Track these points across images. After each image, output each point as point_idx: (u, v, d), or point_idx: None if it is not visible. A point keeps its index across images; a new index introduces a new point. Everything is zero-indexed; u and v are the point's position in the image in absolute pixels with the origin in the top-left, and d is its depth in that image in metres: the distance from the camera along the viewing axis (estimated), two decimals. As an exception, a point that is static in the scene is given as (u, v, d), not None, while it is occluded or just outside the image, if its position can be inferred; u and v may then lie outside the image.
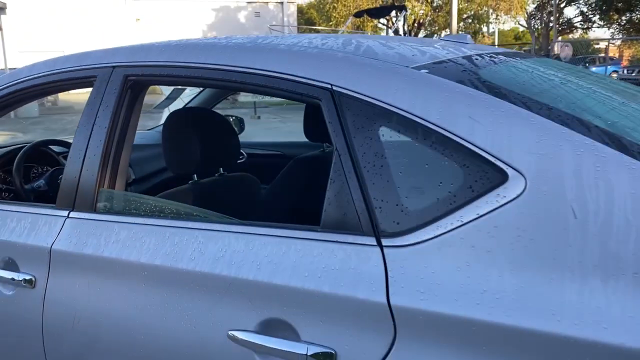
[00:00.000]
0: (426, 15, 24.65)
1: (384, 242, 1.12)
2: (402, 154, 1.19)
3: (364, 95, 1.22)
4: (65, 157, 2.69)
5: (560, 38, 37.71)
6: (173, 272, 1.34)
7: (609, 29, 36.93)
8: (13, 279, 1.64)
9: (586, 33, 41.05)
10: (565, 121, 1.09)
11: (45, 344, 1.60)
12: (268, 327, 1.19)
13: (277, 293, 1.19)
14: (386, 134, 1.19)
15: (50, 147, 2.69)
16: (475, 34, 27.83)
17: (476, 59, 1.42)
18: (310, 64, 1.33)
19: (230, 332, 1.22)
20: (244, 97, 15.92)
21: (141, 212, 1.54)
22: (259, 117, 15.19)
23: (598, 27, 37.62)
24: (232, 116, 3.38)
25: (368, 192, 1.16)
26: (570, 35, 40.36)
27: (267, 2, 38.55)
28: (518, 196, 1.02)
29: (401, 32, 28.63)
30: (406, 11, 21.94)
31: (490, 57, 1.51)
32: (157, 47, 1.69)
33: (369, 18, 23.24)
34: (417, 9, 23.34)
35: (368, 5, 24.68)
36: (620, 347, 0.85)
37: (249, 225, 1.32)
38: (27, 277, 1.62)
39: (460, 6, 24.48)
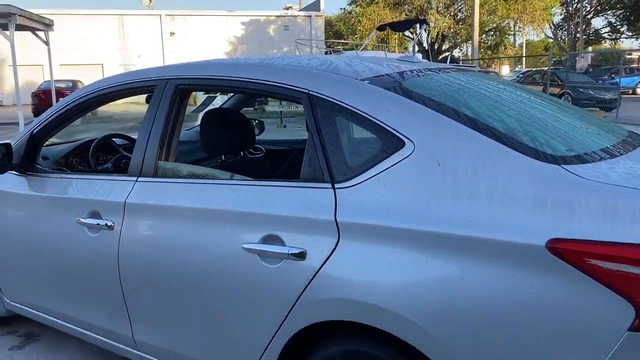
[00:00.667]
0: (449, 28, 25.23)
1: (336, 186, 1.83)
2: (348, 132, 1.92)
3: (327, 97, 1.95)
4: (124, 148, 3.49)
5: (590, 48, 37.79)
6: (207, 211, 2.08)
7: (637, 39, 36.85)
8: (98, 224, 2.40)
9: (615, 44, 40.97)
10: (445, 111, 1.79)
11: (120, 268, 2.34)
12: (265, 240, 1.91)
13: (272, 219, 1.91)
14: (340, 121, 1.91)
15: (113, 139, 3.49)
16: (496, 46, 28.28)
17: (406, 74, 2.13)
18: (296, 76, 2.06)
19: (243, 245, 1.95)
20: (271, 107, 16.75)
21: (185, 176, 2.28)
22: (284, 126, 16.05)
23: (626, 37, 37.58)
24: (255, 119, 4.16)
25: (328, 158, 1.88)
26: (598, 46, 40.34)
27: (296, 16, 39.67)
28: (409, 155, 1.73)
29: (425, 44, 29.26)
30: (427, 25, 22.58)
31: (419, 72, 2.22)
32: (197, 64, 2.45)
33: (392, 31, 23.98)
34: (440, 22, 23.94)
35: (392, 18, 25.43)
36: (485, 238, 1.52)
37: (256, 181, 2.05)
38: (109, 223, 2.37)
39: (483, 19, 25.01)
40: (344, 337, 1.81)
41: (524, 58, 55.27)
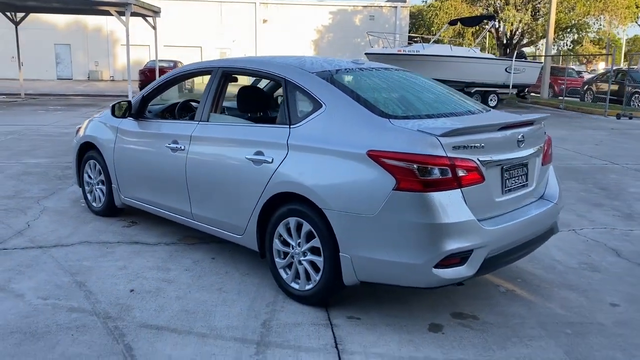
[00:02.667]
0: (526, 24, 25.61)
1: (291, 126, 3.57)
2: (299, 100, 3.65)
3: (294, 81, 3.67)
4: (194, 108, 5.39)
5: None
6: (229, 139, 3.88)
7: None
8: (176, 147, 4.28)
9: None
10: (344, 90, 3.46)
11: (187, 173, 4.21)
12: (255, 153, 3.68)
13: (260, 143, 3.67)
14: (297, 94, 3.64)
15: (191, 103, 5.41)
16: (573, 43, 28.21)
17: (340, 70, 3.80)
18: (280, 69, 3.81)
19: (246, 156, 3.73)
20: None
21: (221, 121, 4.10)
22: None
23: None
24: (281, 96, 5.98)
25: (289, 113, 3.62)
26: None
27: (382, 7, 40.94)
28: (323, 112, 3.42)
29: (497, 39, 29.57)
30: (495, 21, 23.23)
31: (350, 69, 3.87)
32: (234, 59, 4.25)
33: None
34: (516, 17, 24.45)
35: (469, 13, 26.21)
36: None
37: (255, 124, 3.83)
38: (182, 147, 4.25)
39: (561, 16, 25.18)
40: (287, 202, 3.55)
41: (622, 55, 53.08)
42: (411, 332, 3.22)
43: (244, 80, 5.18)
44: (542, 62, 23.53)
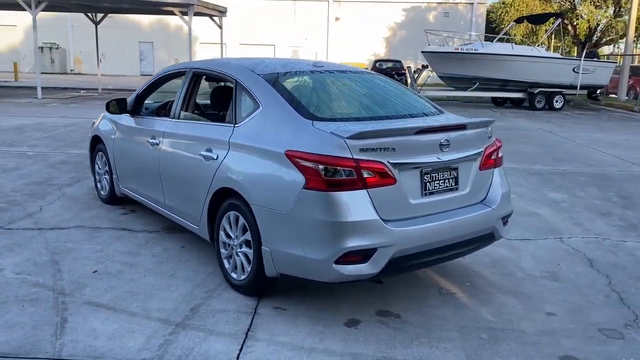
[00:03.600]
0: (604, 21, 24.19)
1: (235, 126, 3.79)
2: (245, 101, 3.86)
3: (242, 82, 3.89)
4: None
5: None
6: (190, 136, 4.16)
7: None
8: (153, 142, 4.63)
9: None
10: (281, 92, 3.63)
11: (160, 165, 4.54)
12: (206, 150, 3.93)
13: (211, 140, 3.92)
14: (243, 94, 3.85)
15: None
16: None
17: (288, 72, 3.95)
18: (233, 70, 4.03)
19: (200, 152, 4.00)
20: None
21: (187, 119, 4.39)
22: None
23: None
24: None
25: (235, 112, 3.84)
26: None
27: (457, 3, 40.01)
28: (259, 112, 3.61)
29: (568, 37, 28.01)
30: (562, 19, 22.01)
31: (300, 71, 4.02)
32: (203, 61, 4.53)
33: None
34: (593, 14, 23.16)
35: (542, 9, 25.12)
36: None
37: (210, 122, 4.08)
38: (157, 142, 4.59)
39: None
40: (228, 197, 3.78)
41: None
42: (327, 325, 3.36)
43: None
44: (615, 62, 22.15)
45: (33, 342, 3.06)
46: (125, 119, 5.28)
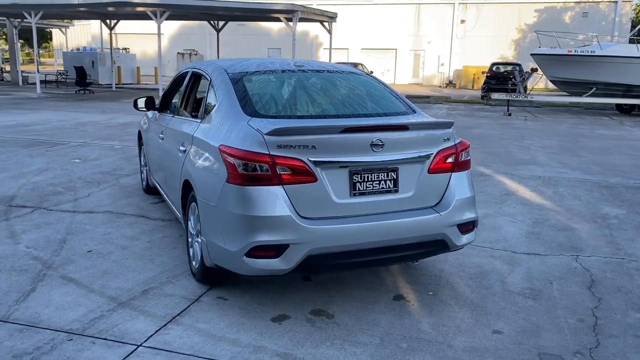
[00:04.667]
0: None
1: (200, 121, 3.98)
2: (211, 98, 4.03)
3: (212, 81, 4.05)
4: None
5: None
6: (177, 132, 4.44)
7: None
8: (161, 138, 4.99)
9: None
10: (238, 91, 3.74)
11: (163, 161, 4.89)
12: (181, 144, 4.17)
13: (184, 135, 4.15)
14: (211, 93, 4.02)
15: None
16: None
17: (257, 72, 4.04)
18: (209, 69, 4.23)
19: (178, 147, 4.26)
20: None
21: (180, 115, 4.68)
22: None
23: None
24: None
25: (204, 109, 4.04)
26: None
27: (598, 2, 36.78)
28: (216, 109, 3.77)
29: None
30: None
31: (281, 70, 4.09)
32: (198, 63, 4.78)
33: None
34: None
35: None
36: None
37: (188, 117, 4.33)
38: (162, 137, 4.94)
39: None
40: (191, 188, 3.97)
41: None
42: (254, 318, 3.42)
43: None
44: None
45: (-5, 304, 3.52)
46: (153, 116, 5.73)
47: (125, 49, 35.69)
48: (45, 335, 3.15)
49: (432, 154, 3.51)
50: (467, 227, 3.66)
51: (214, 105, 3.88)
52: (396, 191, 3.43)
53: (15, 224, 5.15)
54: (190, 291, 3.78)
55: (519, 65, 25.17)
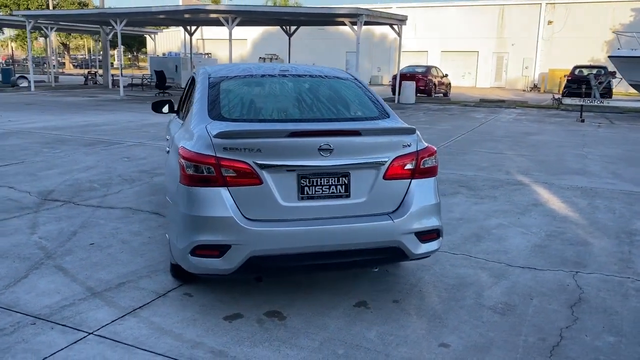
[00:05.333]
0: None
1: (180, 118, 4.15)
2: (191, 100, 4.19)
3: (195, 84, 4.22)
4: None
5: None
6: (169, 133, 4.66)
7: None
8: (167, 139, 5.24)
9: None
10: (211, 94, 3.86)
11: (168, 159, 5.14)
12: (169, 146, 4.37)
13: (170, 138, 4.35)
14: (193, 95, 4.17)
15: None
16: None
17: (245, 76, 4.13)
18: (199, 74, 4.38)
19: (167, 148, 4.46)
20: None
21: (181, 118, 4.90)
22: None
23: None
24: None
25: (185, 110, 4.20)
26: None
27: None
28: (190, 111, 3.92)
29: None
30: None
31: (257, 75, 4.17)
32: (201, 67, 4.97)
33: None
34: None
35: None
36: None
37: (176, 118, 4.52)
38: (168, 137, 5.19)
39: None
40: (172, 188, 4.17)
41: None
42: (207, 315, 3.53)
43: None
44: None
45: (-14, 288, 3.88)
46: (172, 119, 6.01)
47: (208, 54, 37.30)
48: (14, 319, 3.43)
49: (387, 160, 3.45)
50: (427, 235, 3.57)
51: (191, 108, 4.04)
52: (347, 196, 3.41)
53: (40, 216, 5.60)
54: (162, 286, 3.95)
55: (604, 68, 23.64)
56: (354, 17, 17.91)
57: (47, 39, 29.39)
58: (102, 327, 3.34)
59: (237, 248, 3.22)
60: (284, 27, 23.63)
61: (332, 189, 3.38)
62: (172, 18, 21.83)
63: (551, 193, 7.07)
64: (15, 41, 68.82)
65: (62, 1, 59.09)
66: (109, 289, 3.89)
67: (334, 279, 4.14)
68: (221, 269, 3.28)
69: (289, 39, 23.97)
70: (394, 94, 23.17)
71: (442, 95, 27.19)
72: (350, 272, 4.22)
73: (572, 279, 4.24)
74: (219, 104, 3.77)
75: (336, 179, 3.38)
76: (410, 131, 3.53)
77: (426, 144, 3.68)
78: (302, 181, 3.33)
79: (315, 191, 3.36)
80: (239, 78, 4.19)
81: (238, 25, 19.90)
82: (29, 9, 50.02)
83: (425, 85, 25.71)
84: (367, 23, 19.35)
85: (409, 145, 3.53)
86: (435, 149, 3.75)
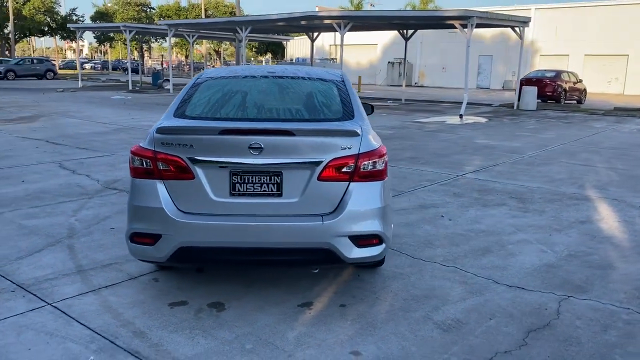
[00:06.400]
0: None
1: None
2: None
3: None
4: None
5: None
6: None
7: None
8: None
9: None
10: (186, 95, 4.07)
11: None
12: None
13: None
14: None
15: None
16: None
17: (225, 77, 4.29)
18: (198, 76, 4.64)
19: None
20: None
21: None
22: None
23: None
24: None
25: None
26: None
27: None
28: (183, 104, 4.18)
29: None
30: None
31: (238, 77, 4.29)
32: (214, 69, 5.24)
33: None
34: None
35: None
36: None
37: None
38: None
39: None
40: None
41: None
42: (158, 299, 3.77)
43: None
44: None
45: (1, 255, 4.50)
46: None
47: (333, 58, 38.13)
48: (2, 285, 3.96)
49: (323, 161, 3.42)
50: (365, 240, 3.47)
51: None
52: (280, 195, 3.44)
53: (90, 202, 6.29)
54: (139, 270, 4.27)
55: None
56: (464, 19, 17.27)
57: (191, 45, 32.16)
58: (62, 300, 3.73)
59: (167, 238, 3.41)
60: (400, 31, 23.47)
61: (264, 187, 3.44)
62: (290, 25, 22.76)
63: (613, 211, 6.32)
64: (179, 48, 76.85)
65: (215, 12, 64.39)
66: (94, 268, 4.31)
67: (297, 276, 4.16)
68: (154, 256, 3.50)
69: (406, 42, 23.74)
70: (519, 99, 21.88)
71: (575, 102, 25.10)
72: (319, 272, 4.22)
73: (556, 303, 3.83)
74: (188, 103, 3.99)
75: (268, 177, 3.43)
76: (351, 134, 3.46)
77: (375, 147, 3.57)
78: (233, 178, 3.43)
79: (247, 188, 3.43)
80: (223, 79, 4.38)
81: (350, 30, 20.20)
82: (187, 18, 55.20)
83: (553, 90, 23.94)
84: (481, 25, 18.54)
85: (348, 148, 3.46)
86: (384, 152, 3.62)
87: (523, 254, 4.83)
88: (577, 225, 5.72)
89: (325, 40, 46.35)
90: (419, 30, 33.88)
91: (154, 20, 64.90)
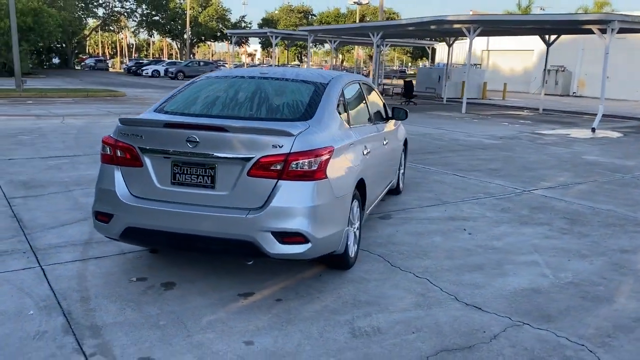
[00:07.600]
0: None
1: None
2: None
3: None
4: None
5: None
6: None
7: None
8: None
9: None
10: (177, 93, 4.45)
11: None
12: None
13: None
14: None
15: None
16: None
17: (222, 77, 4.57)
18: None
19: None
20: None
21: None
22: None
23: None
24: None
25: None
26: None
27: None
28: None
29: None
30: None
31: (228, 77, 4.55)
32: (221, 70, 5.57)
33: None
34: None
35: None
36: None
37: None
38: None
39: None
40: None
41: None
42: (122, 273, 4.20)
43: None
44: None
45: (42, 224, 5.31)
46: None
47: (477, 64, 36.75)
48: (22, 247, 4.70)
49: (252, 158, 3.56)
50: (289, 237, 3.54)
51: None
52: (212, 187, 3.66)
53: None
54: (132, 247, 4.74)
55: None
56: (603, 23, 15.65)
57: (332, 49, 33.25)
58: (52, 264, 4.33)
59: (117, 218, 3.82)
60: (542, 36, 21.90)
61: (200, 179, 3.68)
62: (421, 29, 22.47)
63: (676, 243, 5.46)
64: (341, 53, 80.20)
65: (373, 18, 65.58)
66: (99, 242, 4.88)
67: (263, 269, 4.32)
68: (110, 233, 3.92)
69: (547, 48, 22.06)
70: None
71: None
72: (282, 265, 4.35)
73: (501, 328, 3.53)
74: (171, 100, 4.39)
75: (203, 169, 3.66)
76: (284, 133, 3.56)
77: (311, 148, 3.62)
78: (174, 168, 3.72)
79: (185, 179, 3.71)
80: (216, 78, 4.71)
81: (481, 35, 19.41)
82: (345, 23, 57.02)
83: None
84: (625, 30, 16.64)
85: (279, 147, 3.56)
86: (322, 154, 3.65)
87: (517, 275, 4.46)
88: (612, 254, 5.07)
89: (477, 45, 44.68)
90: (580, 36, 31.24)
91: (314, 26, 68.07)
